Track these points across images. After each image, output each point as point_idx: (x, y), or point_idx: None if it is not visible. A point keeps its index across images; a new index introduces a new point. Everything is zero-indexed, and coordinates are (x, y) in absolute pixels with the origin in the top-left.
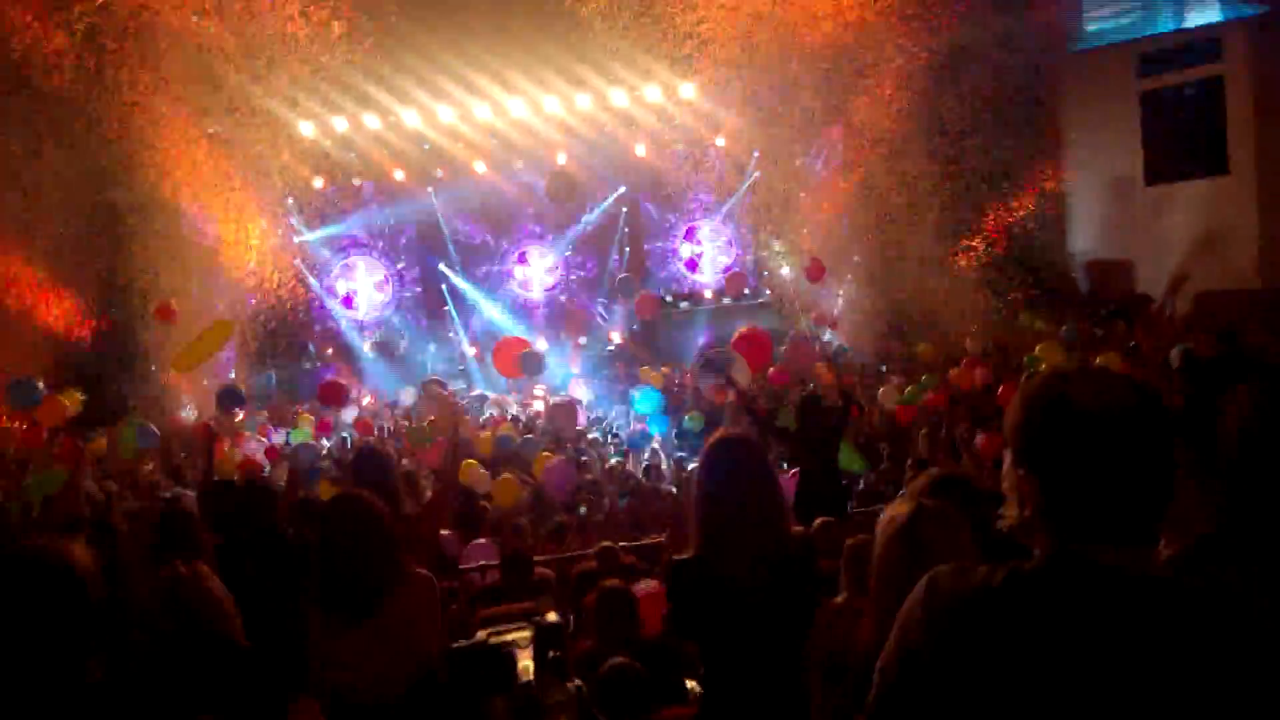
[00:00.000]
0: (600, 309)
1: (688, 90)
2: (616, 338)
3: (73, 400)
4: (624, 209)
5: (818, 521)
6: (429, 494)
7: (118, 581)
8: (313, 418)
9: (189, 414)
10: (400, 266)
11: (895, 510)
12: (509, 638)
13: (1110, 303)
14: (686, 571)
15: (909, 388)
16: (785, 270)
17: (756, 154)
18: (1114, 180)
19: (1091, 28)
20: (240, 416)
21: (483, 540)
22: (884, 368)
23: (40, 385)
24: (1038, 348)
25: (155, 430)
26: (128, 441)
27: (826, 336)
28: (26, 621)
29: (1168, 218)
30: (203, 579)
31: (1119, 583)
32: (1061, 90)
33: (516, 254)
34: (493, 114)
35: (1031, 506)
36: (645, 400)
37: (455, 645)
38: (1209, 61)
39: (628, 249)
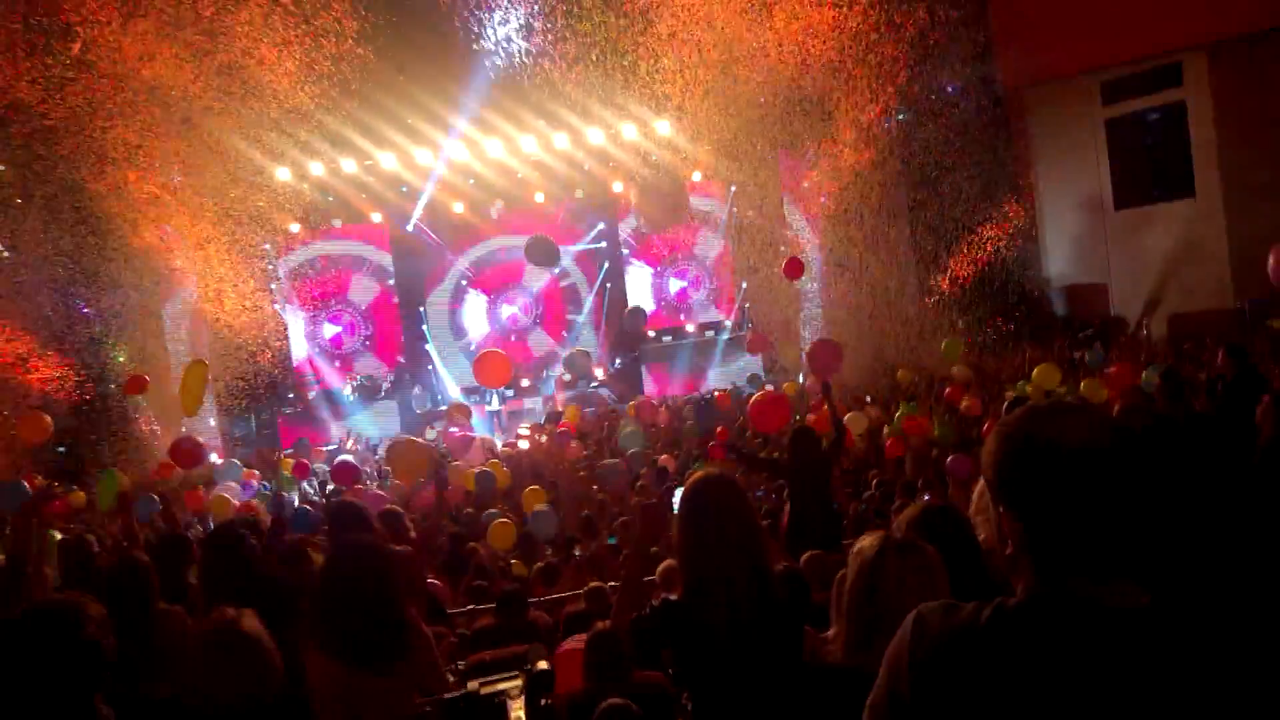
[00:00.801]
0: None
1: (663, 127)
2: (599, 374)
3: (78, 500)
4: (603, 244)
5: (806, 555)
6: (413, 534)
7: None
8: (291, 463)
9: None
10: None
11: (863, 542)
12: (500, 687)
13: (1087, 326)
14: (672, 614)
15: (899, 413)
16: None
17: (734, 189)
18: (1084, 205)
19: None
20: (218, 463)
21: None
22: (869, 398)
23: (25, 486)
24: (1035, 372)
25: (156, 499)
26: (106, 494)
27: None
28: (44, 667)
29: (1138, 240)
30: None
31: (1102, 617)
32: (1028, 120)
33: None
34: (469, 154)
35: (1014, 543)
36: (630, 438)
37: (447, 696)
38: (1170, 87)
39: (609, 285)
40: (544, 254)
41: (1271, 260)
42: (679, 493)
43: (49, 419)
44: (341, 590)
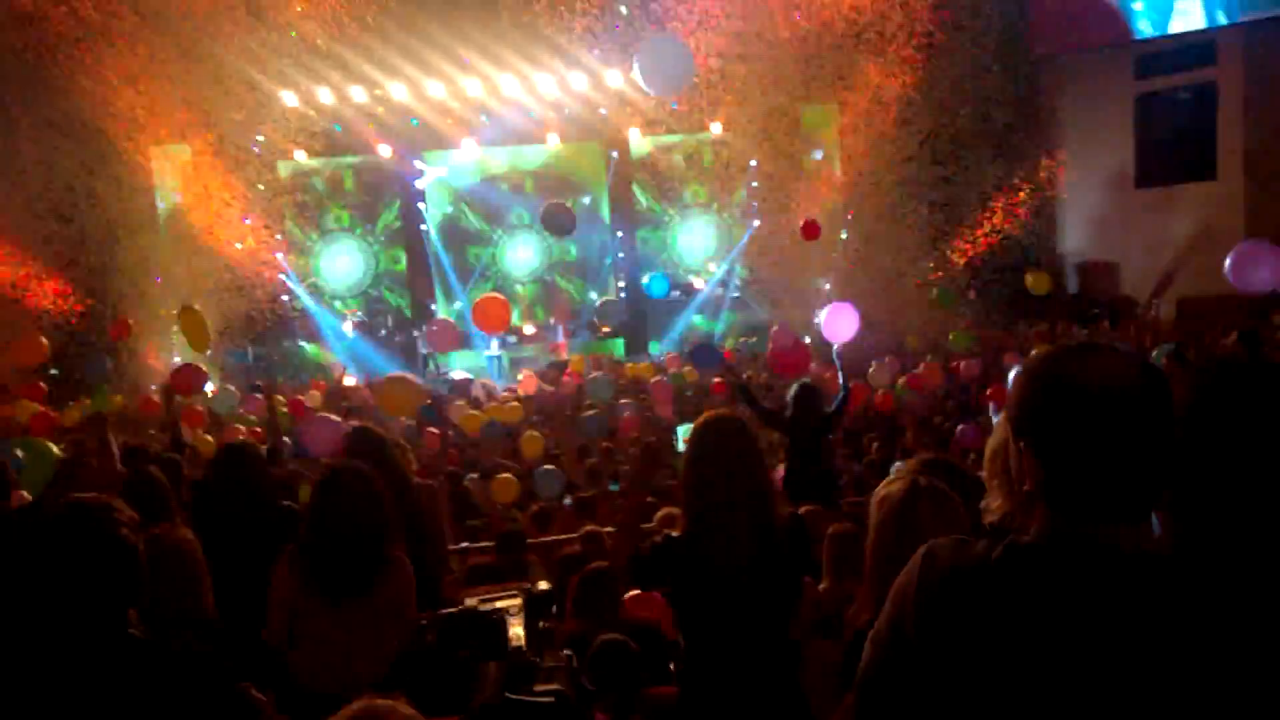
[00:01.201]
0: (590, 295)
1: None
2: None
3: (71, 417)
4: (615, 195)
5: (803, 509)
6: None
7: None
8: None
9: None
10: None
11: (889, 489)
12: (499, 604)
13: (1096, 303)
14: (674, 549)
15: (900, 381)
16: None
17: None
18: (1106, 181)
19: None
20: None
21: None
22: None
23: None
24: (1034, 351)
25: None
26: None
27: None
28: (78, 571)
29: (1156, 220)
30: (182, 544)
31: (1117, 560)
32: (1059, 91)
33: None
34: (484, 91)
35: (1031, 481)
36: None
37: (445, 612)
38: (1204, 65)
39: (620, 233)
40: (559, 222)
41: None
42: (682, 435)
43: (45, 341)
44: (319, 515)
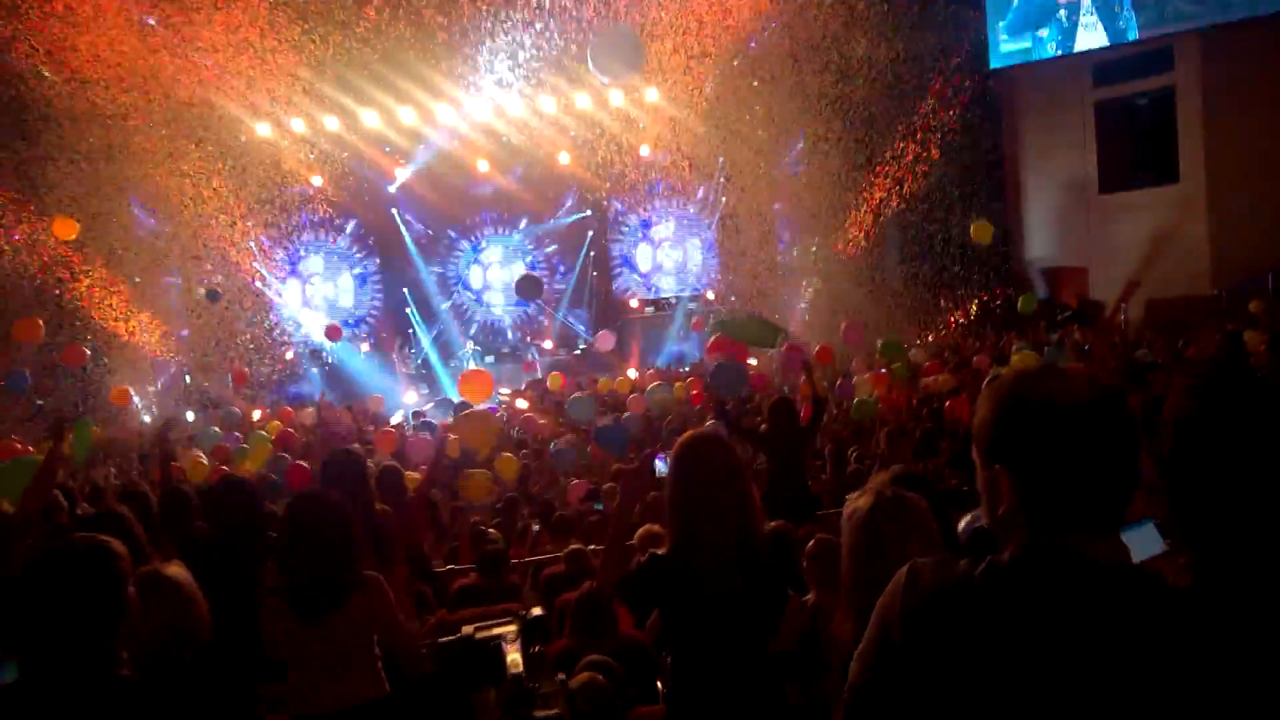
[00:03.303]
0: (570, 317)
1: (652, 94)
2: (582, 342)
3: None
4: (588, 211)
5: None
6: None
7: None
8: (275, 424)
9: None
10: (357, 271)
11: (856, 503)
12: (495, 631)
13: (1065, 308)
14: (661, 568)
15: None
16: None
17: (722, 160)
18: (1069, 187)
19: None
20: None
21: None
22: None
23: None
24: (1014, 358)
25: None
26: (79, 445)
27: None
28: (73, 610)
29: (1120, 224)
30: (178, 579)
31: (1095, 572)
32: (1017, 99)
33: (473, 249)
34: (454, 115)
35: (1006, 502)
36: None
37: (442, 640)
38: (1162, 72)
39: (593, 253)
40: (532, 289)
41: None
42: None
43: (41, 322)
44: (291, 541)
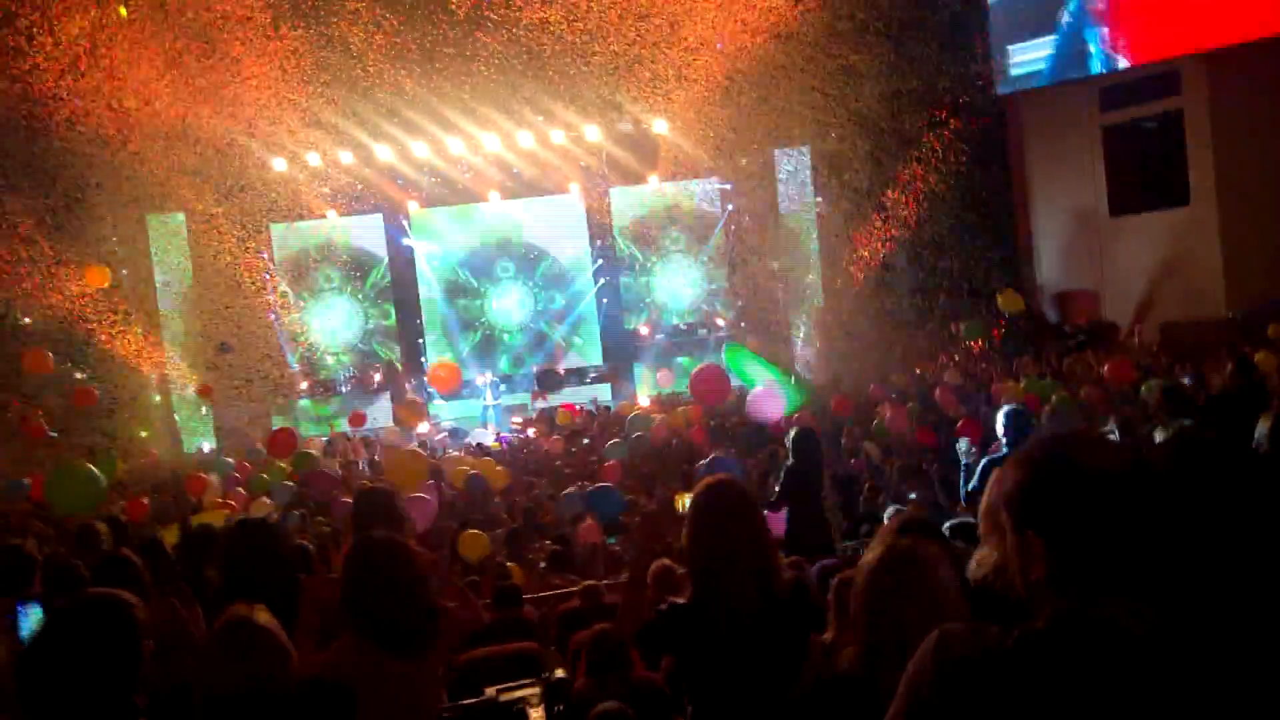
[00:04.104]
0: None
1: (660, 126)
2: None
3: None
4: (597, 242)
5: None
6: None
7: None
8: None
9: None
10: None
11: (867, 556)
12: (519, 694)
13: (1078, 332)
14: (680, 617)
15: (875, 423)
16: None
17: (730, 185)
18: (1078, 212)
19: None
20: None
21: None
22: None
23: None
24: (1021, 383)
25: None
26: (107, 474)
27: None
28: (90, 667)
29: (1131, 248)
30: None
31: (1129, 641)
32: (1024, 124)
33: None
34: (466, 149)
35: (1039, 569)
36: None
37: (467, 703)
38: (1168, 95)
39: (604, 280)
40: (551, 383)
41: None
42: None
43: (50, 355)
44: (376, 580)
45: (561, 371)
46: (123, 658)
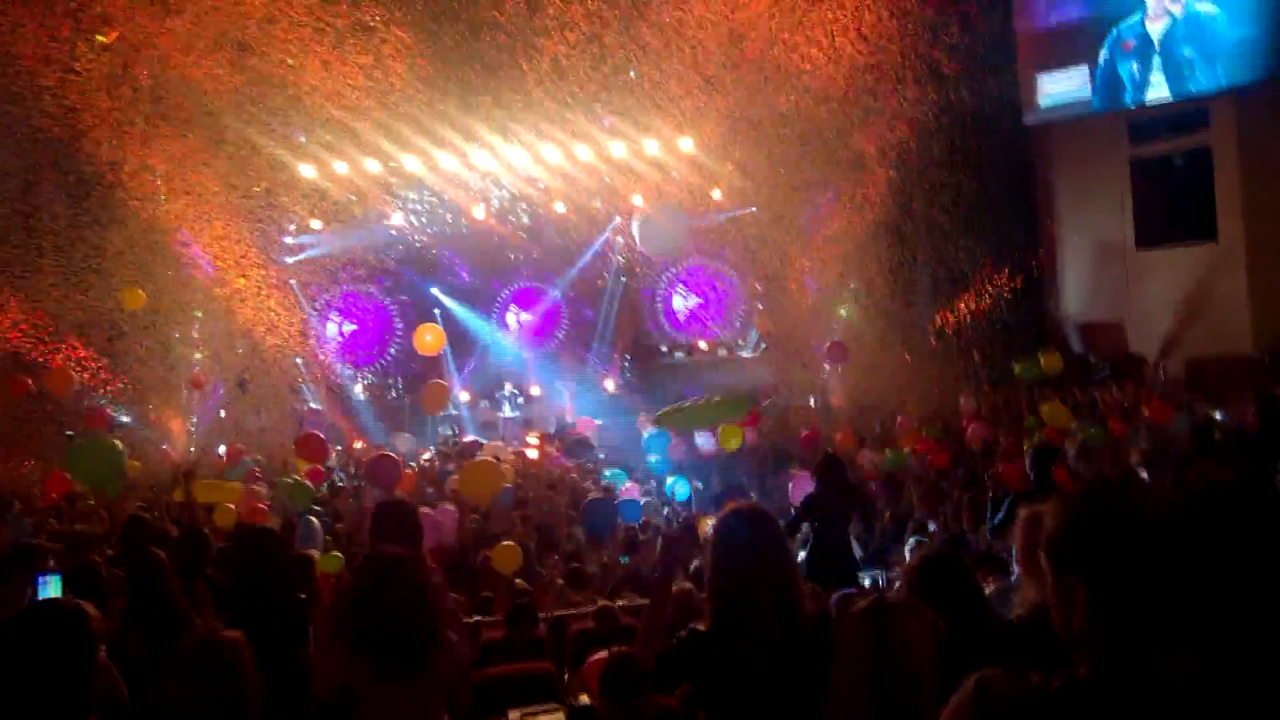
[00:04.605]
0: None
1: (686, 144)
2: (610, 386)
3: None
4: (620, 259)
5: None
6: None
7: None
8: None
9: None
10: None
11: (858, 605)
12: (542, 719)
13: (1105, 365)
14: (699, 645)
15: (890, 453)
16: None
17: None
18: (1104, 244)
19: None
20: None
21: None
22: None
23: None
24: (1043, 409)
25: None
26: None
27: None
28: (47, 669)
29: (1158, 281)
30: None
31: (1170, 690)
32: (1052, 154)
33: (510, 298)
34: (493, 160)
35: (1080, 617)
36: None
37: None
38: (1197, 131)
39: (621, 295)
40: (580, 451)
41: None
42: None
43: (73, 374)
44: (376, 600)
45: (594, 442)
46: (72, 666)
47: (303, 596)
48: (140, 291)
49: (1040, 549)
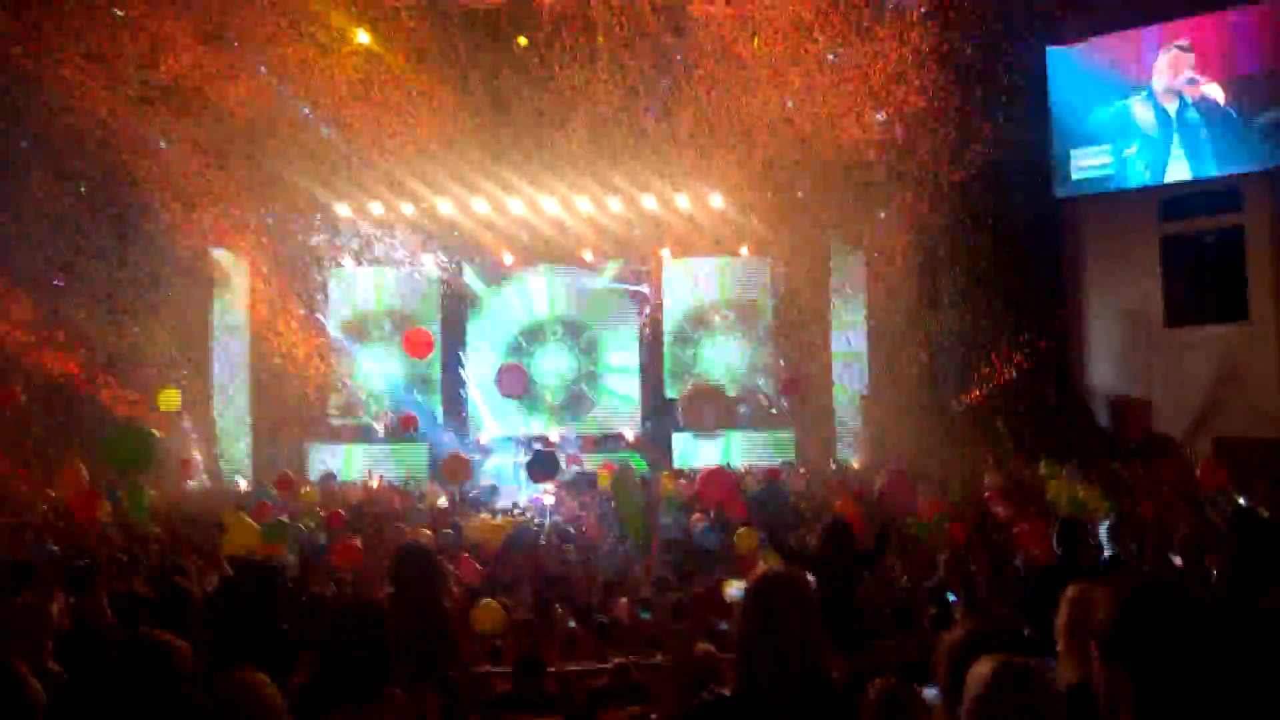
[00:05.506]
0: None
1: (716, 200)
2: (628, 434)
3: (103, 510)
4: (647, 310)
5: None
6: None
7: None
8: (318, 495)
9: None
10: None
11: (979, 668)
12: None
13: (1131, 441)
14: (722, 710)
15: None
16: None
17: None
18: (1134, 320)
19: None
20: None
21: None
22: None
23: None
24: (1041, 467)
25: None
26: (136, 509)
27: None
28: (134, 698)
29: (1187, 360)
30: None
31: None
32: (1082, 228)
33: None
34: (526, 209)
35: (1128, 710)
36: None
37: None
38: (1229, 210)
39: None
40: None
41: None
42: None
43: (85, 470)
44: (329, 646)
45: (558, 455)
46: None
47: (285, 628)
48: (175, 392)
49: (1090, 634)
